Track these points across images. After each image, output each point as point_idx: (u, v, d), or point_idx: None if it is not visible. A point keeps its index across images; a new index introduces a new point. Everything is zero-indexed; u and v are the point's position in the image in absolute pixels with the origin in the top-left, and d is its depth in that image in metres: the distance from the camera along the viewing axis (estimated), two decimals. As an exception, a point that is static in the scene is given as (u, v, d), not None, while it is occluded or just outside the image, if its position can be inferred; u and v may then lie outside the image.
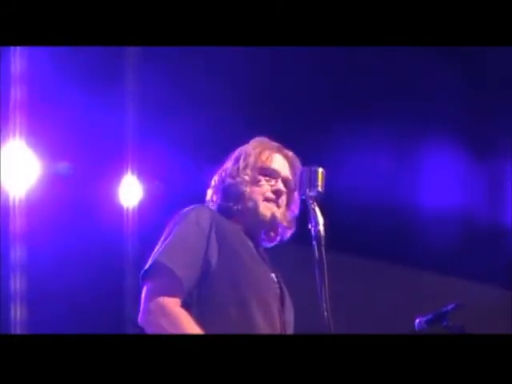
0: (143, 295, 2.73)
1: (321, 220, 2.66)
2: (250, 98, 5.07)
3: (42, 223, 4.89)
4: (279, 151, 3.02)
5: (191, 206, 2.87)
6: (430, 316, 3.59)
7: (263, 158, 2.98)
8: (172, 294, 2.69)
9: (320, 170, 2.73)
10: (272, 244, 3.04)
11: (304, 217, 2.72)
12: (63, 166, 5.06)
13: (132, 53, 4.74)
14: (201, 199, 3.01)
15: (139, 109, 4.96)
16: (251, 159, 2.96)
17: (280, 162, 3.00)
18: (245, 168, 2.95)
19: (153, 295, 2.69)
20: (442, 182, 6.05)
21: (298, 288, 3.06)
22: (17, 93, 4.40)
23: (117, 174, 5.34)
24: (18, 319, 4.63)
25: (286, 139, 3.09)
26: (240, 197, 2.93)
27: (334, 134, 5.33)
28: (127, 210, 5.31)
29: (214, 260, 2.77)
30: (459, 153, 5.77)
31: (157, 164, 5.25)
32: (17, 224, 4.60)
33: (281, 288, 2.91)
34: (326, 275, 2.60)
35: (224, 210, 2.94)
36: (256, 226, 2.96)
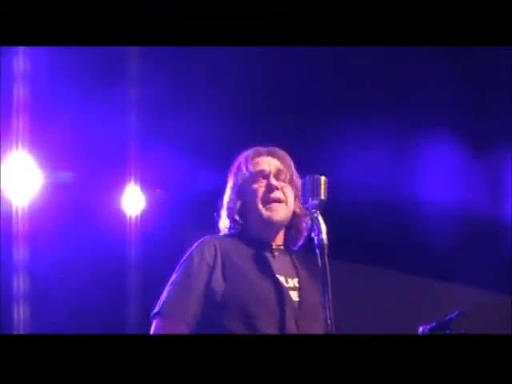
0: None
1: (324, 228, 2.67)
2: (251, 98, 5.07)
3: (44, 231, 4.89)
4: (263, 154, 3.03)
5: (197, 242, 2.92)
6: (433, 324, 3.60)
7: (250, 167, 2.99)
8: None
9: (322, 178, 2.74)
10: (301, 242, 3.03)
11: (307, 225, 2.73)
12: (65, 175, 5.06)
13: (135, 56, 4.73)
14: (203, 207, 3.04)
15: (142, 116, 4.96)
16: (241, 173, 2.99)
17: (265, 162, 3.01)
18: (236, 185, 2.99)
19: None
20: (442, 181, 6.06)
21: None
22: (18, 101, 4.39)
23: (119, 183, 5.34)
24: (21, 322, 4.63)
25: (286, 139, 3.09)
26: (242, 214, 2.96)
27: (334, 134, 5.33)
28: (130, 218, 5.31)
29: (220, 289, 2.81)
30: (459, 151, 5.77)
31: (159, 172, 5.25)
32: (20, 232, 4.60)
33: (300, 293, 2.89)
34: (329, 283, 2.61)
35: (236, 232, 2.97)
36: (270, 232, 2.97)
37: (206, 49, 3.92)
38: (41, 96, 4.54)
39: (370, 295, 6.54)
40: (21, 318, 4.64)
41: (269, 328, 2.76)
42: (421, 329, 3.65)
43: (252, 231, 2.97)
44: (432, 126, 5.51)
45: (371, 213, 5.87)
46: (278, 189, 2.95)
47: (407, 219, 6.08)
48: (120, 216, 5.35)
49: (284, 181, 2.99)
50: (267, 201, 2.95)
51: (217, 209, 3.04)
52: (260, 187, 2.96)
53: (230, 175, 3.05)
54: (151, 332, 2.80)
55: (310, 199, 2.73)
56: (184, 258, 2.90)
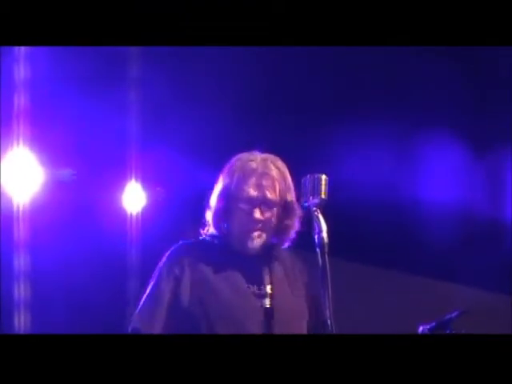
0: None
1: (324, 227, 2.67)
2: (251, 97, 5.07)
3: (45, 229, 4.89)
4: (258, 171, 2.97)
5: (170, 250, 2.96)
6: (433, 324, 3.59)
7: (241, 188, 2.95)
8: None
9: (323, 177, 2.74)
10: (288, 242, 3.03)
11: (308, 223, 2.73)
12: (66, 173, 5.06)
13: (136, 54, 4.73)
14: (203, 206, 3.04)
15: (143, 114, 4.96)
16: (231, 187, 2.96)
17: (259, 186, 2.95)
18: (228, 195, 2.96)
19: None
20: (442, 181, 6.06)
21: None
22: (19, 99, 4.39)
23: (120, 180, 5.34)
24: (22, 320, 4.63)
25: (286, 139, 3.09)
26: (224, 222, 2.96)
27: (334, 134, 5.33)
28: (130, 215, 5.31)
29: (186, 300, 2.85)
30: (459, 150, 5.77)
31: (160, 170, 5.25)
32: (21, 230, 4.60)
33: (272, 301, 2.90)
34: (329, 282, 2.61)
35: (215, 237, 2.99)
36: (249, 251, 2.97)
37: (206, 49, 3.91)
38: (42, 94, 4.54)
39: (370, 294, 6.54)
40: (21, 316, 4.64)
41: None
42: (421, 328, 3.64)
43: (231, 239, 2.98)
44: (432, 126, 5.51)
45: (371, 212, 5.88)
46: (260, 222, 2.94)
47: (407, 218, 6.09)
48: (120, 214, 5.35)
49: (271, 207, 2.95)
50: (248, 231, 2.94)
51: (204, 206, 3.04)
52: (244, 214, 2.94)
53: (222, 176, 3.02)
54: None
55: (311, 198, 2.73)
56: (157, 266, 2.93)
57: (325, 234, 2.66)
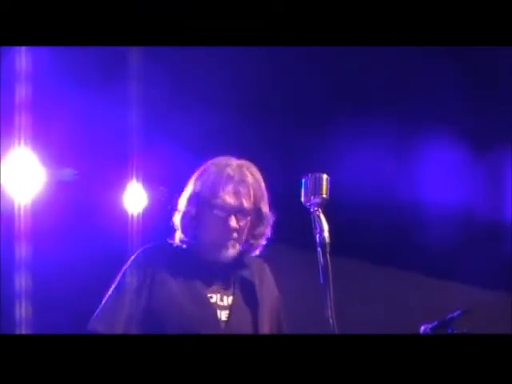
0: None
1: (325, 226, 2.67)
2: (252, 98, 5.07)
3: (46, 229, 4.88)
4: (235, 178, 2.94)
5: (136, 253, 2.96)
6: (435, 323, 3.58)
7: (217, 194, 2.92)
8: None
9: (324, 176, 2.74)
10: (258, 250, 3.03)
11: (309, 223, 2.72)
12: (68, 172, 5.06)
13: (137, 53, 4.73)
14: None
15: (143, 112, 4.95)
16: (205, 192, 2.94)
17: (236, 194, 2.93)
18: (199, 201, 2.94)
19: None
20: (443, 182, 6.06)
21: (302, 295, 3.06)
22: (20, 98, 4.39)
23: (121, 180, 5.34)
24: (23, 320, 4.62)
25: (286, 140, 3.08)
26: (198, 231, 2.94)
27: (334, 134, 5.33)
28: (132, 215, 5.31)
29: (145, 306, 2.84)
30: (459, 150, 5.77)
31: (161, 170, 5.25)
32: (22, 230, 4.59)
33: (229, 313, 2.89)
34: (330, 282, 2.61)
35: (183, 242, 2.97)
36: (219, 259, 2.94)
37: (207, 48, 3.91)
38: (43, 92, 4.53)
39: (371, 294, 6.54)
40: (22, 316, 4.63)
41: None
42: (422, 328, 3.63)
43: (201, 245, 2.96)
44: (432, 126, 5.51)
45: (373, 212, 5.87)
46: (235, 231, 2.93)
47: (408, 218, 6.08)
48: (122, 213, 5.35)
49: (246, 216, 2.94)
50: (221, 239, 2.92)
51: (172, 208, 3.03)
52: (218, 222, 2.92)
53: (194, 179, 3.00)
54: None
55: (312, 197, 2.73)
56: (123, 268, 2.93)
57: (326, 234, 2.66)
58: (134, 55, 4.73)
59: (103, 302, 2.90)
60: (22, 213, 4.61)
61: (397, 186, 5.83)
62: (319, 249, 2.65)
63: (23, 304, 4.65)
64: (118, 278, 2.93)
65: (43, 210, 4.83)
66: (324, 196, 2.72)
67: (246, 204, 2.92)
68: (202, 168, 3.01)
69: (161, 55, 4.60)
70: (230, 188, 2.92)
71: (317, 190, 2.72)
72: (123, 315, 2.84)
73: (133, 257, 2.95)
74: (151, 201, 5.42)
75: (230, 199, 2.91)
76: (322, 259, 2.63)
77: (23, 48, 4.26)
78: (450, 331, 3.54)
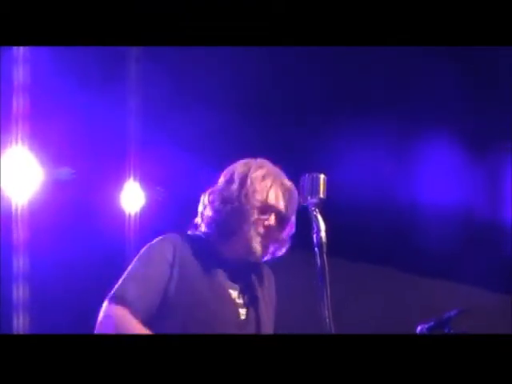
0: (100, 317, 2.81)
1: (323, 226, 2.67)
2: (252, 98, 5.07)
3: (43, 228, 4.88)
4: (278, 181, 2.96)
5: (159, 238, 2.91)
6: (432, 323, 3.58)
7: (260, 189, 2.92)
8: (124, 324, 2.76)
9: (322, 176, 2.74)
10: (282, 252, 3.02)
11: (306, 223, 2.72)
12: (65, 171, 5.06)
13: (136, 52, 4.73)
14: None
15: (142, 112, 4.96)
16: (248, 190, 2.92)
17: (277, 195, 2.94)
18: (239, 197, 2.91)
19: (107, 323, 2.78)
20: (442, 182, 6.06)
21: (299, 295, 3.06)
22: (18, 98, 4.39)
23: (119, 180, 5.34)
24: (21, 320, 4.63)
25: (286, 140, 3.08)
26: (231, 227, 2.91)
27: (333, 134, 5.34)
28: (129, 215, 5.31)
29: (173, 288, 2.80)
30: (459, 150, 5.78)
31: (159, 169, 5.25)
32: (19, 229, 4.59)
33: (247, 312, 2.89)
34: (327, 282, 2.61)
35: (208, 238, 2.94)
36: (244, 256, 2.94)
37: (207, 48, 3.91)
38: (41, 92, 4.54)
39: (368, 294, 6.54)
40: (20, 316, 4.64)
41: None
42: (419, 328, 3.63)
43: (224, 242, 2.94)
44: (432, 126, 5.52)
45: (370, 212, 5.88)
46: (273, 230, 2.92)
47: (407, 218, 6.09)
48: (119, 213, 5.35)
49: (280, 219, 2.95)
50: (260, 235, 2.91)
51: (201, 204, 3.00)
52: (260, 218, 2.91)
53: (235, 176, 2.96)
54: (101, 315, 2.78)
55: (309, 197, 2.72)
56: (144, 249, 2.89)
57: (323, 234, 2.65)
58: (134, 55, 4.73)
59: (128, 275, 2.84)
60: (19, 212, 4.61)
61: (396, 186, 5.83)
62: (316, 249, 2.64)
63: (21, 303, 4.66)
64: (145, 258, 2.87)
65: (41, 209, 4.83)
66: (321, 196, 2.72)
67: (283, 208, 2.94)
68: (238, 167, 2.99)
69: (161, 55, 4.61)
70: (273, 189, 2.94)
71: (314, 190, 2.72)
72: (150, 294, 2.79)
73: (159, 239, 2.90)
74: (149, 200, 5.42)
75: (271, 199, 2.92)
76: (319, 259, 2.63)
77: (22, 48, 4.26)
78: (446, 331, 3.53)
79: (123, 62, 4.73)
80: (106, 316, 2.78)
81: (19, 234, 4.60)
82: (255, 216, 2.90)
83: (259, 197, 2.91)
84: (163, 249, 2.86)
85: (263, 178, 2.95)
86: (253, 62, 4.72)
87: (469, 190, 6.10)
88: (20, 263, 4.65)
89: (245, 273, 2.97)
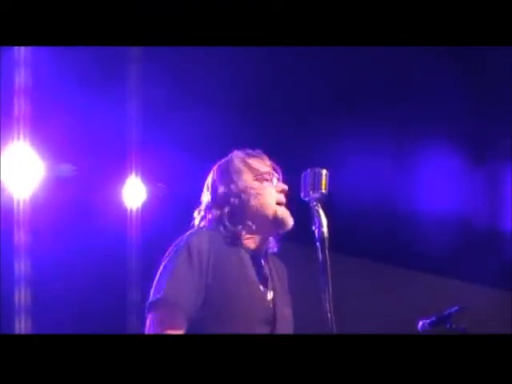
0: (147, 325, 2.76)
1: (324, 221, 2.67)
2: (252, 98, 5.07)
3: (45, 224, 4.88)
4: (276, 173, 3.00)
5: (188, 233, 2.89)
6: (433, 318, 3.59)
7: (253, 165, 2.96)
8: (176, 328, 2.72)
9: (324, 171, 2.74)
10: (278, 245, 3.03)
11: (308, 218, 2.72)
12: (67, 168, 5.06)
13: (135, 54, 4.73)
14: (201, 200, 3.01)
15: (142, 110, 4.95)
16: (245, 171, 2.95)
17: (266, 163, 2.99)
18: (243, 182, 2.93)
19: (158, 328, 2.73)
20: (441, 184, 6.06)
21: (301, 289, 3.06)
22: (20, 95, 4.39)
23: (120, 176, 5.33)
24: (23, 322, 4.62)
25: (286, 139, 3.08)
26: (250, 212, 2.91)
27: (333, 135, 5.34)
28: (131, 211, 5.30)
29: (210, 283, 2.77)
30: (459, 155, 5.78)
31: (160, 166, 5.25)
32: (20, 227, 4.59)
33: (275, 306, 2.88)
34: (329, 276, 2.61)
35: (230, 233, 2.91)
36: (271, 234, 2.95)
37: (207, 48, 3.91)
38: (42, 88, 4.54)
39: (370, 289, 6.54)
40: (21, 314, 4.63)
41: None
42: (421, 323, 3.63)
43: (251, 232, 2.93)
44: (431, 126, 5.52)
45: (372, 207, 5.87)
46: (285, 193, 2.95)
47: (408, 214, 6.08)
48: (121, 209, 5.34)
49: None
50: (280, 203, 2.92)
51: (204, 206, 2.98)
52: (270, 187, 2.93)
53: (219, 173, 2.98)
54: (149, 322, 2.75)
55: (311, 192, 2.73)
56: (177, 247, 2.85)
57: (325, 229, 2.65)
58: (134, 55, 4.73)
59: (169, 278, 2.78)
60: (20, 207, 4.60)
61: (396, 185, 5.83)
62: (318, 244, 2.65)
63: (22, 301, 4.66)
64: (182, 257, 2.81)
65: (42, 206, 4.82)
66: (323, 191, 2.72)
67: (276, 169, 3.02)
68: (240, 160, 3.00)
69: (161, 55, 4.61)
70: (279, 182, 2.98)
71: (316, 185, 2.72)
72: (194, 294, 2.76)
73: (188, 235, 2.87)
74: (150, 196, 5.41)
75: (266, 167, 2.96)
76: (320, 254, 2.63)
77: (24, 48, 4.26)
78: (448, 326, 3.54)
79: (123, 61, 4.73)
80: (166, 324, 2.73)
81: (20, 232, 4.59)
82: (265, 187, 2.92)
83: (256, 171, 2.94)
84: (200, 244, 2.82)
85: (249, 157, 2.99)
86: (253, 62, 4.72)
87: (468, 192, 6.10)
88: (21, 261, 4.65)
89: (266, 266, 2.96)
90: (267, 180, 2.96)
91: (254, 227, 2.92)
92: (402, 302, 6.39)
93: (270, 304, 2.87)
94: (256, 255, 2.93)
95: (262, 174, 2.96)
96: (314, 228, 2.67)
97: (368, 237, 6.14)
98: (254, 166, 2.97)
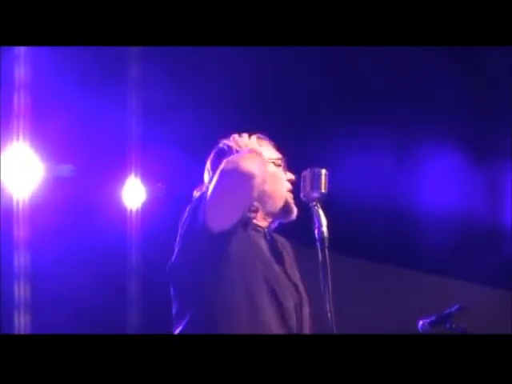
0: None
1: (324, 221, 2.68)
2: (252, 98, 5.07)
3: (44, 225, 4.88)
4: (262, 139, 2.97)
5: None
6: (433, 318, 3.58)
7: (261, 152, 2.85)
8: None
9: (323, 171, 2.75)
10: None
11: (308, 218, 2.72)
12: (66, 169, 5.06)
13: (135, 54, 4.73)
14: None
15: (142, 110, 4.95)
16: (267, 167, 2.83)
17: (271, 150, 2.94)
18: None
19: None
20: (442, 183, 6.06)
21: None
22: (20, 94, 4.39)
23: (120, 176, 5.33)
24: (22, 321, 4.62)
25: (286, 140, 3.08)
26: (263, 196, 2.83)
27: (333, 135, 5.34)
28: (131, 211, 5.30)
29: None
30: (459, 154, 5.78)
31: (160, 166, 5.25)
32: (20, 226, 4.59)
33: (296, 286, 2.81)
34: (329, 276, 2.61)
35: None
36: (277, 220, 2.88)
37: (207, 48, 3.92)
38: (42, 88, 4.54)
39: (370, 289, 6.54)
40: (21, 315, 4.63)
41: (270, 312, 2.67)
42: (421, 322, 3.63)
43: (266, 215, 2.87)
44: (431, 126, 5.52)
45: (372, 206, 5.87)
46: (292, 183, 2.91)
47: (409, 214, 6.08)
48: (121, 209, 5.34)
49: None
50: (290, 191, 2.88)
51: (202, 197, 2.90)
52: (281, 173, 2.89)
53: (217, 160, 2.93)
54: None
55: (311, 192, 2.73)
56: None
57: (325, 229, 2.66)
58: (134, 55, 4.73)
59: None
60: (20, 208, 4.60)
61: (396, 184, 5.83)
62: (318, 243, 2.65)
63: (22, 302, 4.65)
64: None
65: (41, 206, 4.81)
66: (323, 191, 2.72)
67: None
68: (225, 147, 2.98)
69: (161, 55, 4.61)
70: (263, 143, 2.96)
71: (315, 184, 2.72)
72: None
73: None
74: (150, 197, 5.41)
75: (292, 177, 2.91)
76: (320, 254, 2.63)
77: (23, 48, 4.26)
78: (448, 326, 3.53)
79: (123, 61, 4.73)
80: None
81: (20, 231, 4.59)
82: (278, 174, 2.88)
83: (266, 154, 2.86)
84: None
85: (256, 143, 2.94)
86: (253, 62, 4.72)
87: (469, 191, 6.10)
88: (21, 260, 4.65)
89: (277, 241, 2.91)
90: (279, 166, 2.93)
91: (263, 211, 2.86)
92: (403, 302, 6.39)
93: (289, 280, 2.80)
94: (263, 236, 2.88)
95: (274, 159, 2.92)
96: (313, 228, 2.68)
97: (368, 237, 6.14)
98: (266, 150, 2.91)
